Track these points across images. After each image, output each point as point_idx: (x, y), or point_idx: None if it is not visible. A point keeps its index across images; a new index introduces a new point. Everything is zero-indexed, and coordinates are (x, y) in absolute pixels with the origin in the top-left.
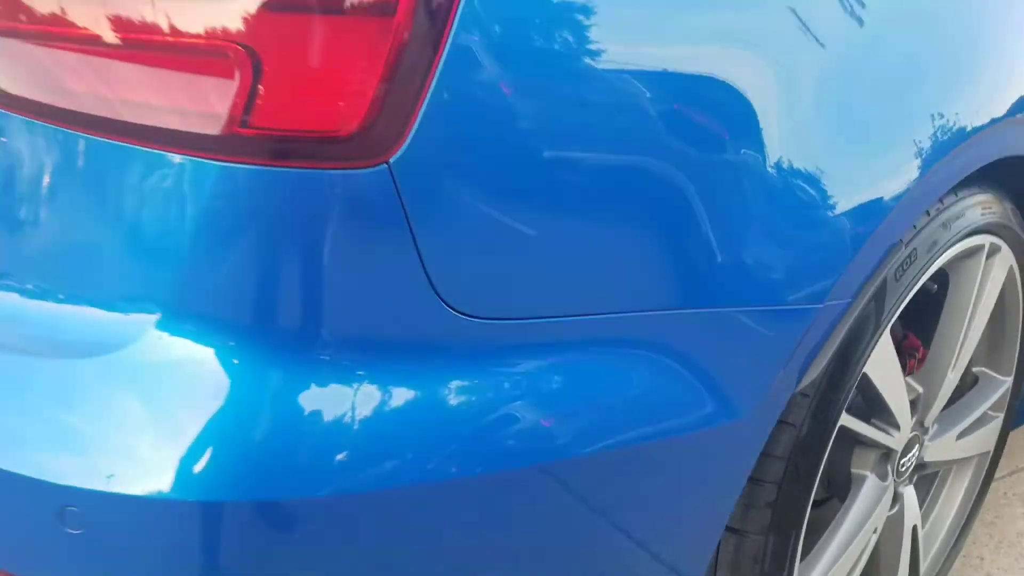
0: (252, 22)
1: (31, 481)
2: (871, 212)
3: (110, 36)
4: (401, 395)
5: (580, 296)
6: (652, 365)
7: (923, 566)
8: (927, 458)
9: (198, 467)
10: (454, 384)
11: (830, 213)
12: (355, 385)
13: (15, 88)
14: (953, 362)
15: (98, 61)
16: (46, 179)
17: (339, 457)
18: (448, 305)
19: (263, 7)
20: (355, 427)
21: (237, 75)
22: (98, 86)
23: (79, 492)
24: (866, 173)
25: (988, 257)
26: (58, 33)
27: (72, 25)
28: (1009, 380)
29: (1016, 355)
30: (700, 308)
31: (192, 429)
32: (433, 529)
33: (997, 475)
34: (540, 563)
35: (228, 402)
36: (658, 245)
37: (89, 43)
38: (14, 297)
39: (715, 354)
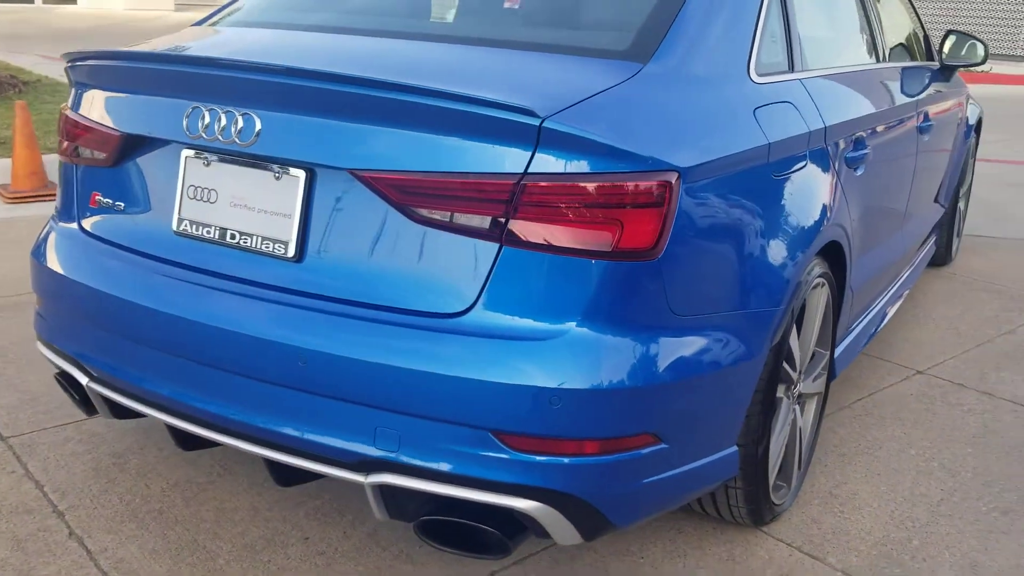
0: (620, 214)
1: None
2: (795, 270)
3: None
4: (659, 347)
5: (712, 305)
6: (731, 332)
7: (803, 451)
8: (801, 391)
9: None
10: (673, 340)
11: (783, 273)
12: (652, 341)
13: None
14: (811, 340)
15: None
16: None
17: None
18: (673, 311)
19: (629, 209)
20: (662, 357)
21: (617, 232)
22: (585, 236)
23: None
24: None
25: (819, 288)
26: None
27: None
28: (827, 353)
29: (829, 339)
30: (747, 310)
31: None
32: (689, 393)
33: (849, 401)
34: (701, 405)
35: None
36: (734, 285)
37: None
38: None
39: (749, 326)
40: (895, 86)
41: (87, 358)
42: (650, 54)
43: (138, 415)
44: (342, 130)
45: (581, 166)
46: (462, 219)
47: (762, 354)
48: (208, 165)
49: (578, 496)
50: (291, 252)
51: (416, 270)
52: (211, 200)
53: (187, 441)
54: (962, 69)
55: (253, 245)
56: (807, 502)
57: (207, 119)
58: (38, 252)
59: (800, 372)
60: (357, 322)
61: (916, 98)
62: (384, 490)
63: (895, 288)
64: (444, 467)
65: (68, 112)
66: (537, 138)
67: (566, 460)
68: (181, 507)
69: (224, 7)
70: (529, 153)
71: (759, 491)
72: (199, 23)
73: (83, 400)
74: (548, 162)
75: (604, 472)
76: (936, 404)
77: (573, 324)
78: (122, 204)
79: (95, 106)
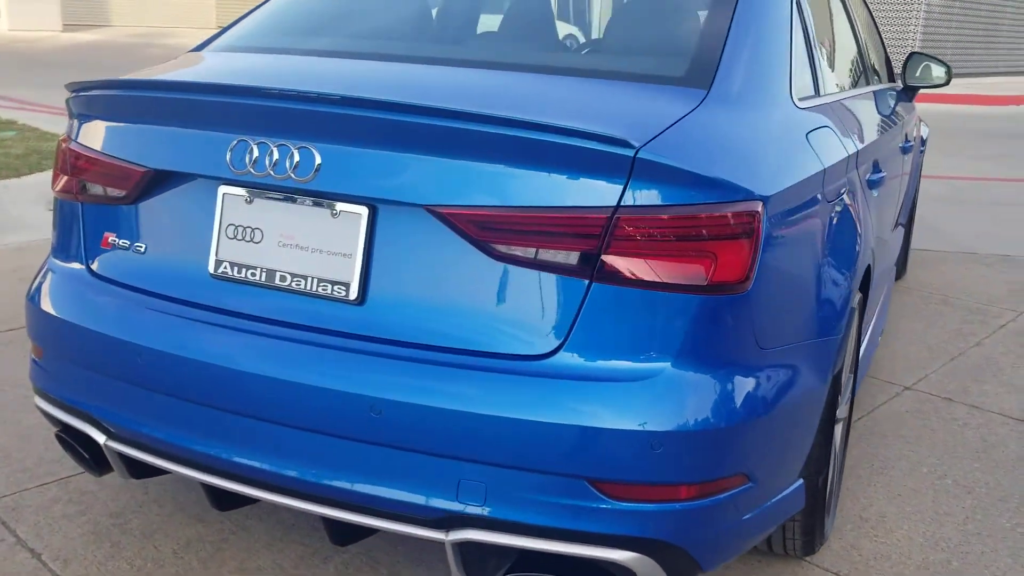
0: (714, 246)
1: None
2: (850, 296)
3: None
4: (750, 382)
5: (790, 336)
6: (805, 362)
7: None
8: (839, 415)
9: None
10: (761, 375)
11: (842, 300)
12: (744, 376)
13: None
14: (849, 366)
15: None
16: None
17: (746, 395)
18: (759, 345)
19: (723, 240)
20: (753, 393)
21: (712, 264)
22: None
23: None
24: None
25: (855, 313)
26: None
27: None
28: (852, 376)
29: (854, 363)
30: (817, 339)
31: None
32: (775, 429)
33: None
34: (782, 440)
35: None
36: (807, 315)
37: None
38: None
39: (818, 355)
40: (884, 108)
41: (104, 413)
42: (709, 80)
43: (158, 473)
44: (416, 164)
45: (674, 197)
46: (548, 255)
47: (827, 383)
48: (251, 202)
49: (675, 543)
50: (353, 294)
51: (497, 310)
52: (255, 240)
53: (223, 500)
54: (924, 90)
55: (307, 288)
56: (840, 527)
57: (256, 153)
58: (36, 296)
59: (844, 398)
60: (435, 367)
61: (901, 119)
62: (464, 547)
63: (885, 308)
64: (536, 520)
65: (71, 145)
66: (631, 169)
67: (665, 507)
68: (199, 570)
69: (224, 31)
70: (622, 185)
71: (816, 522)
72: (199, 48)
73: (94, 459)
74: (641, 194)
75: (700, 517)
76: (932, 420)
77: (669, 363)
78: (143, 245)
79: (110, 139)
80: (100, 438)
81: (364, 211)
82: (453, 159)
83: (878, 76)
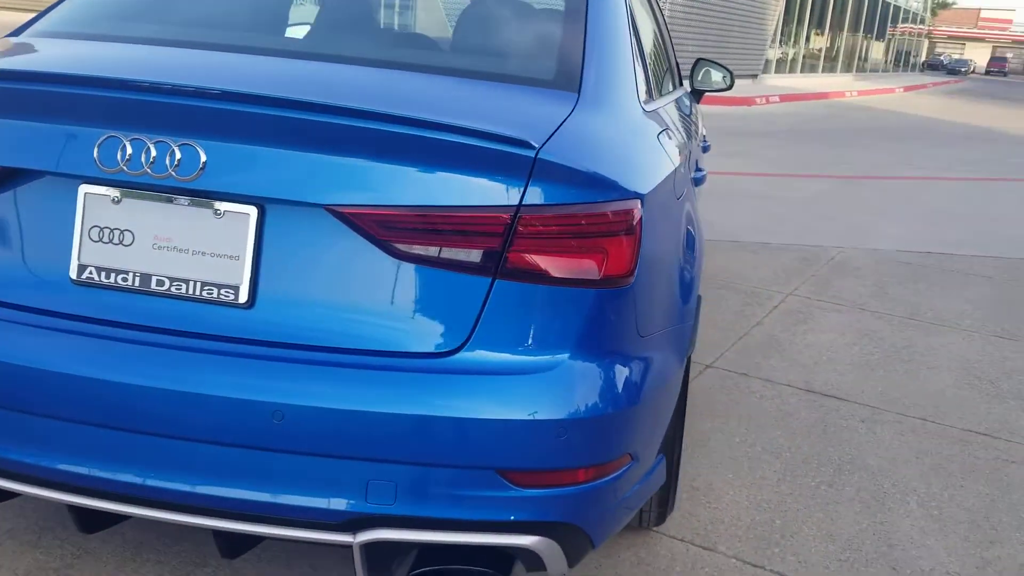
0: (605, 242)
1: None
2: (697, 285)
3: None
4: (636, 367)
5: (659, 324)
6: (671, 347)
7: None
8: None
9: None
10: (642, 361)
11: (694, 289)
12: (631, 362)
13: None
14: None
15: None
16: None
17: (634, 379)
18: (639, 333)
19: (612, 237)
20: (638, 377)
21: (603, 260)
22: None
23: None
24: (697, 274)
25: None
26: None
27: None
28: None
29: None
30: (677, 325)
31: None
32: (653, 410)
33: None
34: (655, 419)
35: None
36: (670, 304)
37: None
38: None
39: (678, 340)
40: (690, 111)
41: None
42: (576, 83)
43: (7, 499)
44: (313, 162)
45: (570, 196)
46: (451, 253)
47: (683, 365)
48: (118, 203)
49: (574, 524)
50: (243, 297)
51: (399, 309)
52: (125, 242)
53: (91, 522)
54: (710, 93)
55: (189, 292)
56: (677, 498)
57: (129, 150)
58: None
59: None
60: (338, 369)
61: (699, 121)
62: (370, 548)
63: None
64: (446, 513)
65: None
66: (531, 169)
67: (567, 490)
68: None
69: (41, 16)
70: (523, 184)
71: (669, 494)
72: (15, 33)
73: None
74: (541, 193)
75: (596, 497)
76: (735, 394)
77: (567, 354)
78: None
79: None
80: None
81: (253, 211)
82: (352, 157)
83: (681, 80)
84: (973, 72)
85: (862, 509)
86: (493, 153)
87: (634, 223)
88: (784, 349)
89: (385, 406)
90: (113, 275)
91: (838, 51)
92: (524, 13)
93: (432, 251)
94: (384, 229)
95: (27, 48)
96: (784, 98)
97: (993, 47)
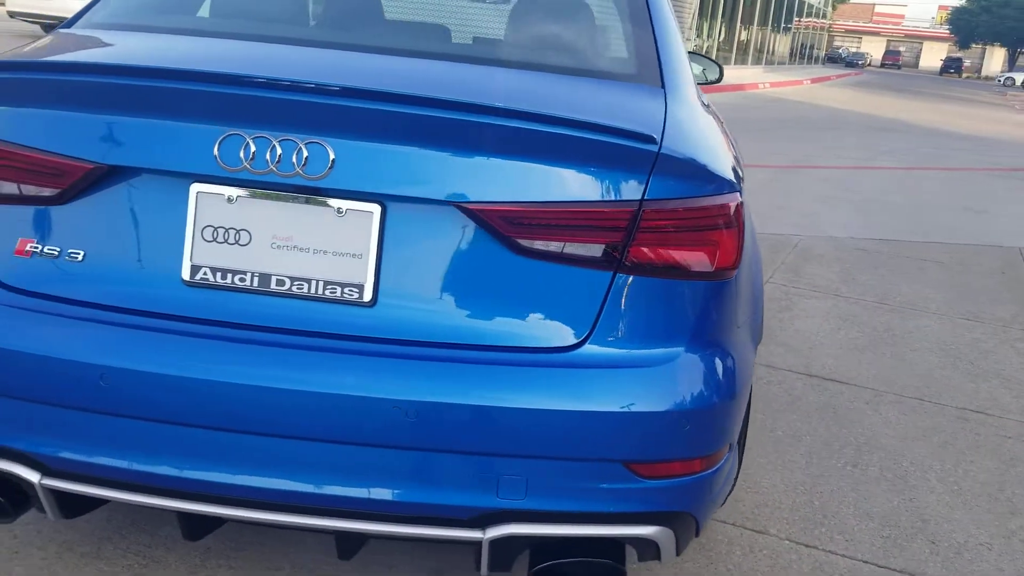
0: (718, 235)
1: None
2: (762, 288)
3: None
4: (738, 357)
5: (747, 316)
6: (752, 339)
7: None
8: None
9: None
10: (740, 351)
11: (760, 286)
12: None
13: None
14: None
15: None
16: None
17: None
18: (736, 324)
19: (723, 230)
20: (739, 367)
21: (715, 253)
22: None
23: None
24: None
25: None
26: None
27: None
28: None
29: None
30: (755, 316)
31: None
32: (744, 400)
33: None
34: (743, 409)
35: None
36: (755, 295)
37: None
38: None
39: (755, 330)
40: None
41: (37, 446)
42: (658, 77)
43: (93, 508)
44: (441, 159)
45: (688, 189)
46: (574, 248)
47: (755, 354)
48: (233, 202)
49: (689, 512)
50: (367, 296)
51: (522, 305)
52: (241, 242)
53: (197, 529)
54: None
55: (311, 291)
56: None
57: (254, 148)
58: None
59: None
60: (464, 365)
61: None
62: (496, 544)
63: None
64: (574, 507)
65: None
66: (654, 163)
67: (685, 480)
68: None
69: (88, 8)
70: (646, 179)
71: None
72: (66, 26)
73: (12, 501)
74: (662, 187)
75: (707, 486)
76: None
77: (683, 346)
78: (80, 252)
79: (33, 129)
80: (33, 476)
81: (376, 208)
82: (480, 155)
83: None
84: (870, 65)
85: (889, 488)
86: (618, 148)
87: (740, 215)
88: (776, 335)
89: (514, 401)
90: (230, 276)
91: (748, 44)
92: (587, 7)
93: (556, 246)
94: (510, 225)
95: (103, 43)
96: (704, 89)
97: (888, 41)
